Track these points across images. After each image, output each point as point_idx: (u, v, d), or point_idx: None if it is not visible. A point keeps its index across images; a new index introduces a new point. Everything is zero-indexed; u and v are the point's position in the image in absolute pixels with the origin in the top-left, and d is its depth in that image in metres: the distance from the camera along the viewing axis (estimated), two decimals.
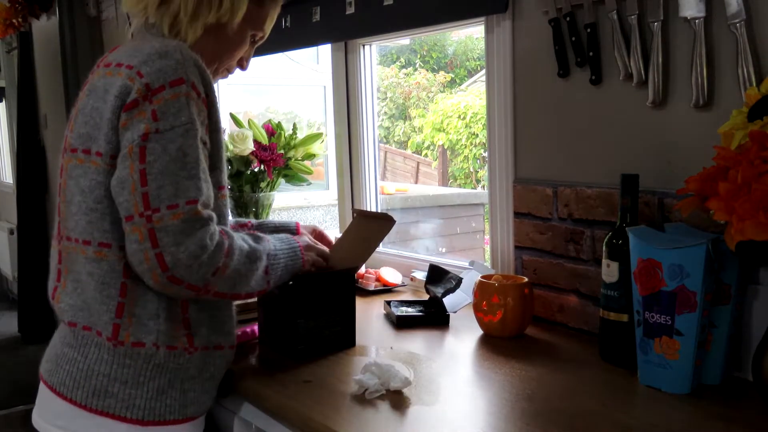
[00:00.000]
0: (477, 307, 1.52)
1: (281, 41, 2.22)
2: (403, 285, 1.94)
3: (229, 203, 1.25)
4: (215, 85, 1.21)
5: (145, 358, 1.12)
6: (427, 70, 9.09)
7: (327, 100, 4.28)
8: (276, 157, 2.19)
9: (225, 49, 1.26)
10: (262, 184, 2.23)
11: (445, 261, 1.95)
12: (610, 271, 1.29)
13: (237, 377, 1.29)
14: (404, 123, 8.99)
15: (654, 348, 1.18)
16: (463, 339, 1.50)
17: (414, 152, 8.62)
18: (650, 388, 1.19)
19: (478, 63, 8.97)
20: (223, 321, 1.22)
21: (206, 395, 1.21)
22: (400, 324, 1.59)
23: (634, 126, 1.39)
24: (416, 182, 8.17)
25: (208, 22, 1.20)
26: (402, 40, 5.97)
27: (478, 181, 7.81)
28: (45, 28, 3.66)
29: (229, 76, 1.34)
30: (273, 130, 2.26)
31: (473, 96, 7.98)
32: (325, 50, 2.87)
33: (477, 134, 7.53)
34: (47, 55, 3.68)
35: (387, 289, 1.91)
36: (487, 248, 2.01)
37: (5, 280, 5.06)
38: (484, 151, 6.89)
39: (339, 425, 1.06)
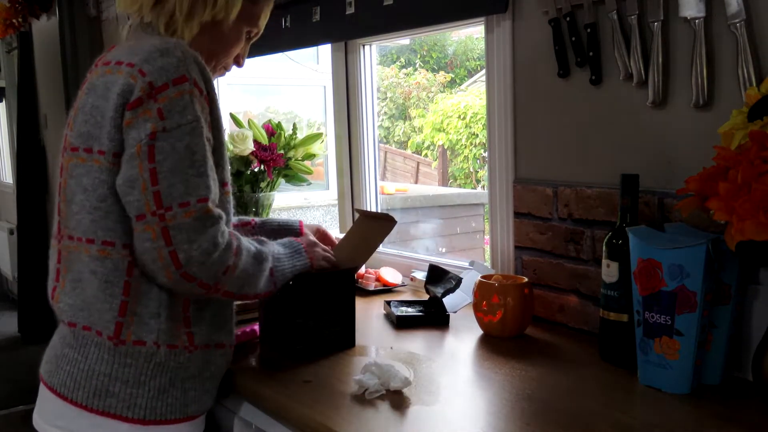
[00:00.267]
0: (477, 307, 1.52)
1: (281, 41, 2.22)
2: (403, 285, 1.94)
3: (232, 200, 1.25)
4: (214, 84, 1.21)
5: (146, 357, 1.13)
6: (427, 70, 9.08)
7: (327, 100, 4.29)
8: (276, 157, 2.19)
9: (221, 46, 1.26)
10: (262, 184, 2.23)
11: (445, 261, 1.95)
12: (610, 271, 1.29)
13: (237, 377, 1.29)
14: (404, 123, 9.00)
15: (654, 348, 1.18)
16: (463, 339, 1.50)
17: (414, 152, 8.62)
18: (650, 388, 1.19)
19: (478, 63, 8.97)
20: (223, 320, 1.23)
21: (207, 394, 1.21)
22: (400, 324, 1.59)
23: (634, 126, 1.39)
24: (416, 182, 8.17)
25: (204, 20, 1.21)
26: (402, 40, 5.97)
27: (478, 181, 7.81)
28: (45, 28, 3.66)
29: (226, 73, 1.34)
30: (273, 130, 2.26)
31: (473, 96, 7.98)
32: (325, 50, 2.88)
33: (477, 134, 7.53)
34: (47, 55, 3.68)
35: (387, 289, 1.91)
36: (487, 248, 2.01)
37: (5, 280, 5.06)
38: (484, 151, 6.89)
39: (339, 425, 1.06)
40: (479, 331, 1.53)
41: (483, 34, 1.69)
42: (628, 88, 1.38)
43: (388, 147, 8.75)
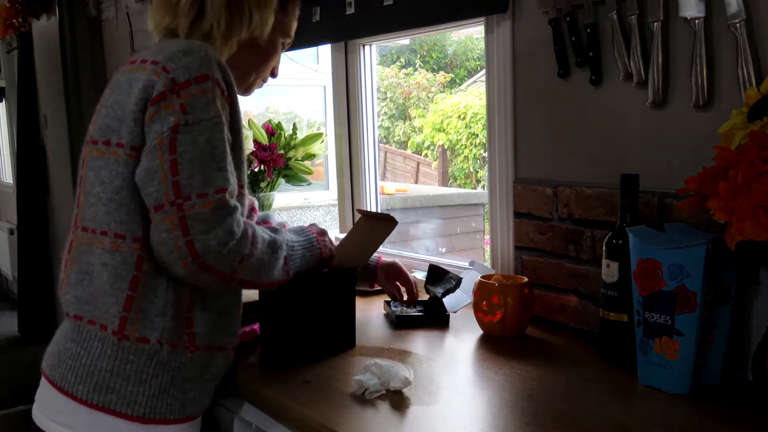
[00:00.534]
0: (477, 307, 1.52)
1: None
2: None
3: (246, 203, 1.27)
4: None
5: (148, 355, 1.13)
6: (427, 70, 9.08)
7: (327, 100, 4.28)
8: (276, 157, 2.19)
9: (260, 60, 1.31)
10: (262, 184, 2.23)
11: (445, 261, 1.95)
12: (610, 271, 1.29)
13: (237, 377, 1.29)
14: (404, 123, 8.99)
15: (654, 348, 1.18)
16: (463, 339, 1.50)
17: (414, 152, 8.62)
18: (650, 388, 1.19)
19: (478, 63, 8.96)
20: (227, 322, 1.22)
21: (205, 396, 1.21)
22: (400, 324, 1.59)
23: (634, 126, 1.39)
24: (416, 182, 8.17)
25: (242, 39, 1.24)
26: (402, 40, 5.97)
27: (478, 181, 7.81)
28: (45, 28, 3.66)
29: (264, 85, 1.38)
30: (273, 130, 2.26)
31: (473, 96, 7.98)
32: (325, 50, 2.88)
33: (477, 134, 7.53)
34: (47, 55, 3.67)
35: None
36: (487, 248, 2.01)
37: (5, 280, 5.06)
38: (484, 151, 6.89)
39: (339, 425, 1.06)
40: (479, 331, 1.53)
41: (483, 34, 1.69)
42: (628, 88, 1.38)
43: (388, 147, 8.75)
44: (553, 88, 1.52)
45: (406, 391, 1.18)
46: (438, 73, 9.04)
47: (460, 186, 7.93)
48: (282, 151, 2.22)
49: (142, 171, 1.10)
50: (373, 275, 1.65)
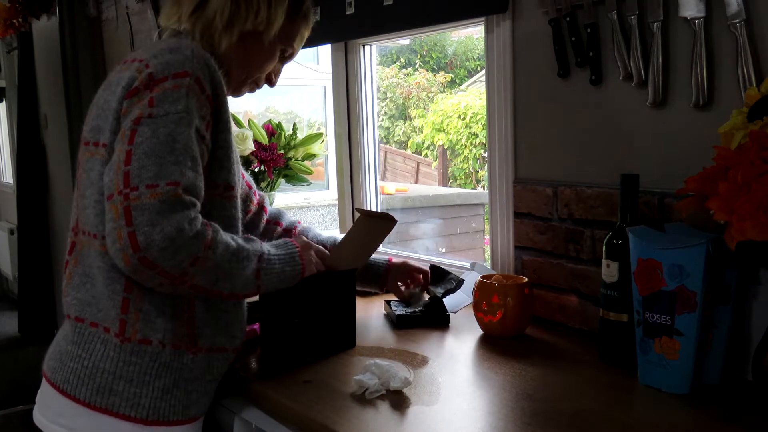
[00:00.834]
0: (477, 307, 1.52)
1: None
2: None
3: (239, 204, 1.24)
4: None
5: (151, 356, 1.12)
6: (427, 70, 9.08)
7: (327, 100, 4.28)
8: (276, 157, 2.19)
9: (256, 59, 1.27)
10: (262, 184, 2.23)
11: (445, 261, 1.95)
12: (610, 271, 1.29)
13: (238, 377, 1.29)
14: (404, 123, 8.99)
15: (654, 348, 1.18)
16: (463, 339, 1.50)
17: (414, 152, 8.62)
18: (650, 388, 1.19)
19: (478, 63, 8.96)
20: (229, 323, 1.22)
21: (207, 396, 1.21)
22: (400, 324, 1.59)
23: (634, 126, 1.39)
24: (416, 182, 8.17)
25: (245, 30, 1.22)
26: (402, 40, 5.96)
27: (478, 181, 7.81)
28: (45, 28, 3.66)
29: (257, 90, 1.35)
30: (273, 130, 2.26)
31: (473, 96, 7.98)
32: (325, 50, 2.87)
33: (477, 134, 7.53)
34: (47, 55, 3.67)
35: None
36: (487, 248, 2.01)
37: (5, 280, 5.06)
38: (484, 151, 6.89)
39: (339, 425, 1.06)
40: (479, 331, 1.53)
41: (483, 34, 1.69)
42: (628, 88, 1.38)
43: (388, 147, 8.75)
44: (553, 88, 1.52)
45: (406, 391, 1.18)
46: (438, 73, 9.04)
47: (460, 186, 7.93)
48: (282, 151, 2.22)
49: (107, 165, 1.09)
50: (384, 278, 1.64)
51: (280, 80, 1.37)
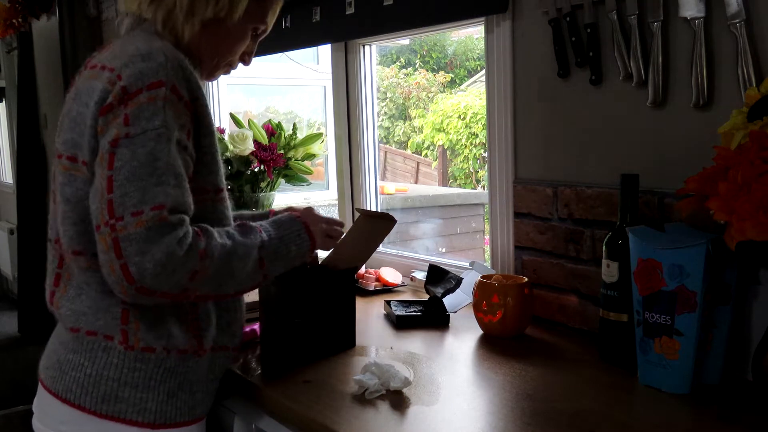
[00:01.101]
0: (477, 307, 1.52)
1: (281, 41, 2.22)
2: (403, 285, 1.94)
3: (230, 205, 1.23)
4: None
5: (155, 363, 1.11)
6: (427, 70, 9.08)
7: (327, 100, 4.29)
8: (276, 157, 2.19)
9: (224, 44, 1.21)
10: (262, 184, 2.23)
11: (445, 261, 1.95)
12: (610, 271, 1.29)
13: (238, 377, 1.29)
14: (404, 123, 8.99)
15: (654, 348, 1.18)
16: (463, 339, 1.50)
17: (414, 152, 8.62)
18: (650, 388, 1.19)
19: (478, 63, 8.96)
20: (229, 322, 1.22)
21: (210, 395, 1.21)
22: (400, 324, 1.59)
23: (634, 126, 1.39)
24: (416, 182, 8.17)
25: (206, 18, 1.16)
26: (402, 40, 5.97)
27: (478, 181, 7.81)
28: (45, 28, 3.66)
29: (231, 71, 1.30)
30: (273, 130, 2.26)
31: (473, 96, 7.98)
32: (325, 50, 2.88)
33: (477, 134, 7.53)
34: (47, 55, 3.68)
35: (387, 289, 1.91)
36: (487, 248, 2.01)
37: (5, 280, 5.06)
38: (484, 151, 6.89)
39: (339, 425, 1.06)
40: (479, 331, 1.53)
41: (483, 34, 1.69)
42: (628, 88, 1.38)
43: (388, 147, 8.75)
44: (553, 88, 1.52)
45: (406, 391, 1.18)
46: (438, 73, 9.04)
47: (460, 186, 7.93)
48: (282, 151, 2.22)
49: (91, 190, 1.06)
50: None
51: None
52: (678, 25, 1.29)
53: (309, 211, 1.27)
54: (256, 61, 1.44)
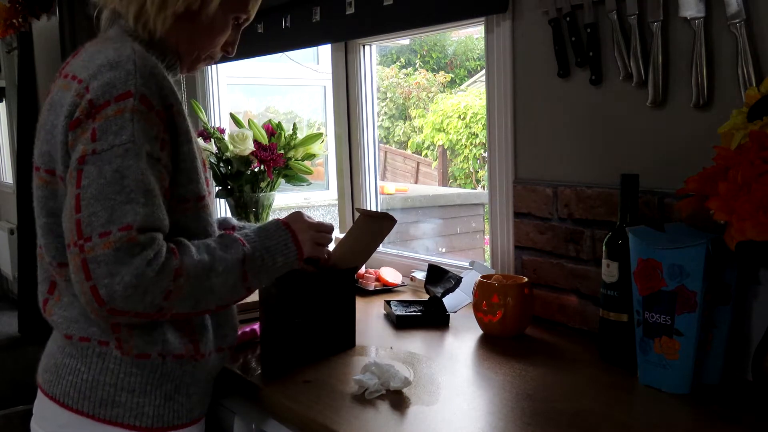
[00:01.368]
0: (477, 307, 1.52)
1: (281, 41, 2.22)
2: (403, 285, 1.95)
3: (214, 212, 1.20)
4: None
5: (151, 368, 1.11)
6: (427, 70, 9.08)
7: (327, 100, 4.29)
8: (276, 157, 2.19)
9: (203, 37, 1.17)
10: (262, 184, 2.23)
11: (445, 261, 1.95)
12: (610, 271, 1.29)
13: (238, 377, 1.29)
14: (404, 123, 8.99)
15: (654, 348, 1.18)
16: (463, 339, 1.50)
17: (414, 152, 8.62)
18: (650, 388, 1.19)
19: (478, 63, 8.96)
20: (223, 323, 1.21)
21: (207, 396, 1.21)
22: (400, 324, 1.59)
23: (634, 126, 1.39)
24: (416, 182, 8.17)
25: (178, 11, 1.12)
26: (402, 40, 5.98)
27: (478, 181, 7.81)
28: (45, 28, 3.66)
29: (213, 63, 1.26)
30: (273, 130, 2.26)
31: (473, 96, 7.98)
32: (325, 50, 2.88)
33: (477, 134, 7.53)
34: (47, 55, 3.68)
35: (387, 289, 1.91)
36: (487, 248, 2.01)
37: (5, 280, 5.06)
38: (484, 151, 6.89)
39: (339, 425, 1.06)
40: (479, 331, 1.53)
41: (483, 34, 1.69)
42: (628, 88, 1.38)
43: (388, 147, 8.75)
44: (553, 88, 1.52)
45: (406, 391, 1.18)
46: (438, 73, 9.04)
47: (460, 186, 7.93)
48: (282, 151, 2.22)
49: (64, 206, 1.03)
50: None
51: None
52: (678, 25, 1.29)
53: (297, 216, 1.23)
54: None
